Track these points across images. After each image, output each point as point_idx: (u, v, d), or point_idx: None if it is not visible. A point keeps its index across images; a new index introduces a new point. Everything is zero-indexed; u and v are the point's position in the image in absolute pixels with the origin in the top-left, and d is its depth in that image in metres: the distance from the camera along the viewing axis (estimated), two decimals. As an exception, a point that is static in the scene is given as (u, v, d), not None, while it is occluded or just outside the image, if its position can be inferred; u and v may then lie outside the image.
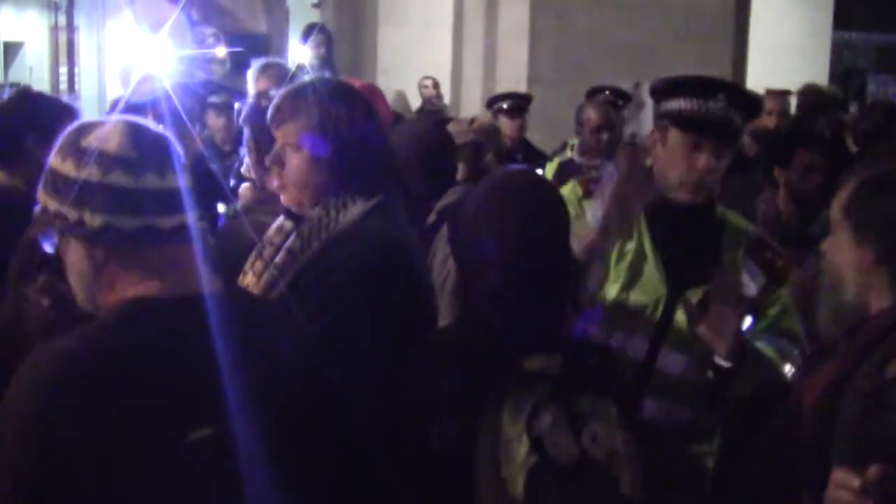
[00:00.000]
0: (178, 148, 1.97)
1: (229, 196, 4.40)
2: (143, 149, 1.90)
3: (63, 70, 19.38)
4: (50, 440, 1.74)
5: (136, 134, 1.92)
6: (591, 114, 6.50)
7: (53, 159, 1.92)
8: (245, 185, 4.36)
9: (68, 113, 3.65)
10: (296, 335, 2.19)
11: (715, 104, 2.95)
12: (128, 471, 1.78)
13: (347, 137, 2.57)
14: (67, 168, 1.88)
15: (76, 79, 17.45)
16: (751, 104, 3.11)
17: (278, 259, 2.58)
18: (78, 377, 1.78)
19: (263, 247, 2.70)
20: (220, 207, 4.46)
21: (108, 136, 1.89)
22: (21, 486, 1.75)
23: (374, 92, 3.38)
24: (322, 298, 2.44)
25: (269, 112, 2.64)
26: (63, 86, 19.05)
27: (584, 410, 2.29)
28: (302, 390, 2.07)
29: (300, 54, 9.24)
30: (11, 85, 15.98)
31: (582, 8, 8.63)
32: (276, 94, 2.68)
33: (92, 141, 1.89)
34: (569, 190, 3.32)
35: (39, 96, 3.92)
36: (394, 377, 2.39)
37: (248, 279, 2.67)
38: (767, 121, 6.67)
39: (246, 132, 3.27)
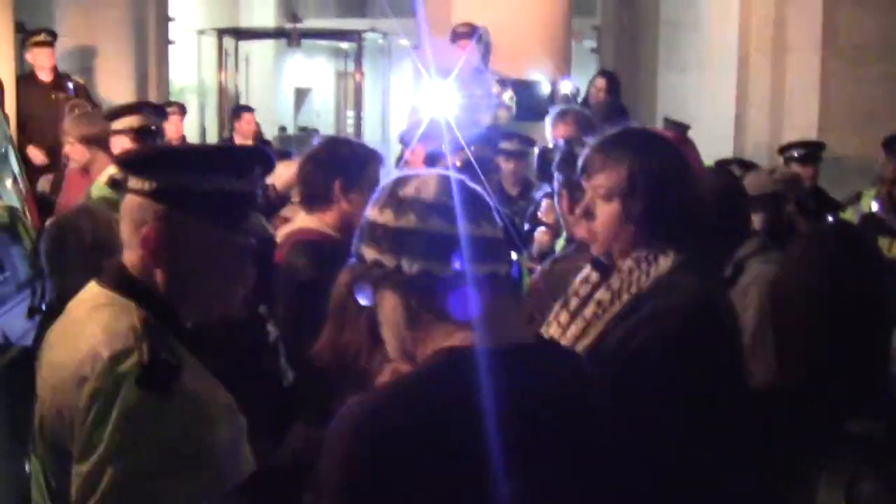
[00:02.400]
0: (490, 199, 1.99)
1: (518, 244, 4.43)
2: (459, 198, 1.93)
3: (349, 114, 20.19)
4: (361, 487, 1.77)
5: (451, 184, 1.95)
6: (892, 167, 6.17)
7: (371, 211, 1.96)
8: (541, 230, 4.39)
9: (374, 158, 3.75)
10: (603, 391, 2.15)
11: None
12: None
13: (659, 190, 2.53)
14: (386, 217, 1.92)
15: (362, 123, 18.16)
16: None
17: (586, 311, 2.56)
18: (391, 426, 1.80)
19: (569, 297, 2.69)
20: (512, 255, 4.49)
21: (425, 186, 1.93)
22: None
23: (685, 142, 3.31)
24: (631, 354, 2.40)
25: (581, 162, 2.63)
26: (349, 129, 19.90)
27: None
28: (608, 445, 2.03)
29: (582, 100, 9.29)
30: (301, 129, 16.86)
31: (877, 53, 8.28)
32: (587, 143, 2.66)
33: (409, 190, 1.93)
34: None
35: (347, 143, 4.04)
36: (700, 436, 2.33)
37: (553, 330, 2.66)
38: None
39: (557, 178, 3.27)
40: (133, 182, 2.15)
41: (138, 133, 5.22)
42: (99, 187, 4.73)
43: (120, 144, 5.26)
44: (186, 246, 2.12)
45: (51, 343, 2.19)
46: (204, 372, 2.15)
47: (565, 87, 8.95)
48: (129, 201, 2.17)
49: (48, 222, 3.43)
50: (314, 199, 3.70)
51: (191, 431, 2.01)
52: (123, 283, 2.15)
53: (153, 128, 5.34)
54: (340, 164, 3.72)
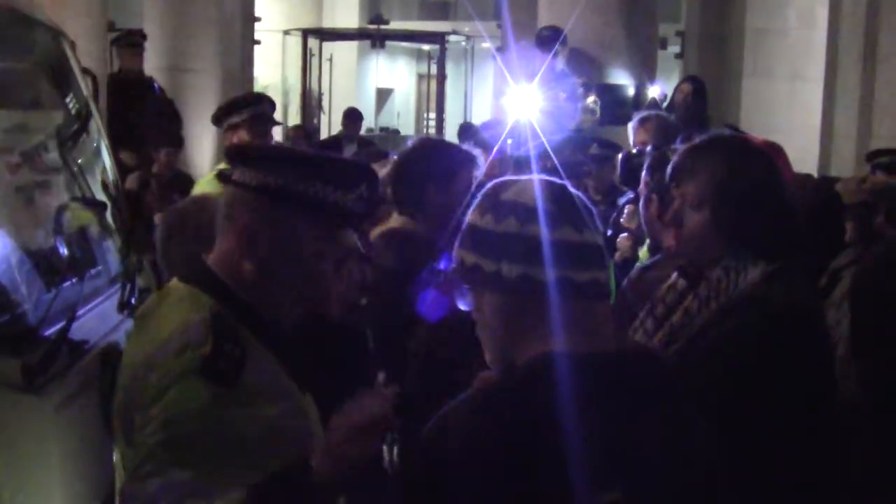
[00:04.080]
0: (590, 205, 1.97)
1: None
2: (560, 203, 1.91)
3: (431, 116, 20.28)
4: (450, 489, 1.77)
5: (552, 189, 1.94)
6: None
7: (472, 216, 1.96)
8: (623, 236, 4.37)
9: (467, 160, 3.74)
10: (692, 399, 2.13)
11: None
12: None
13: (749, 198, 2.50)
14: (486, 222, 1.92)
15: (444, 125, 18.19)
16: None
17: (673, 319, 2.54)
18: (481, 430, 1.79)
19: (655, 305, 2.67)
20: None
21: (526, 191, 1.92)
22: None
23: (776, 150, 3.25)
24: (718, 365, 2.38)
25: (670, 169, 2.61)
26: (430, 131, 19.96)
27: None
28: (699, 454, 2.01)
29: (667, 105, 9.21)
30: (381, 129, 16.98)
31: (971, 62, 8.09)
32: (678, 149, 2.64)
33: (510, 195, 1.92)
34: None
35: (440, 144, 4.03)
36: (790, 452, 2.30)
37: (638, 336, 2.64)
38: None
39: (647, 183, 3.23)
40: (240, 174, 2.18)
41: (254, 120, 5.08)
42: (207, 181, 4.74)
43: (237, 136, 5.04)
44: (280, 243, 2.14)
45: (130, 337, 2.24)
46: (276, 368, 2.15)
47: (653, 92, 8.87)
48: (231, 193, 2.19)
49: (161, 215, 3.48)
50: (407, 199, 3.70)
51: (242, 424, 2.01)
52: (201, 279, 2.18)
53: (266, 116, 5.17)
54: (433, 165, 3.72)
